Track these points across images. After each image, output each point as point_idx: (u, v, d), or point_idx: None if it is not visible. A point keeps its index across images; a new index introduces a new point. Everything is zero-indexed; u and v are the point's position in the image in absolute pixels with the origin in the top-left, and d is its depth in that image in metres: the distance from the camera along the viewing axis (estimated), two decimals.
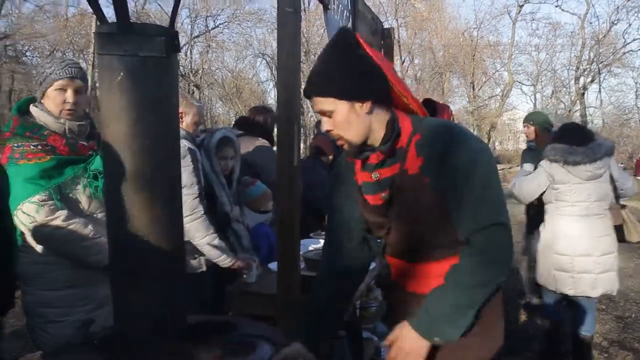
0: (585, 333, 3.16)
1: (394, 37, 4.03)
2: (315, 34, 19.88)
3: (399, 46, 22.03)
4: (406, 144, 1.36)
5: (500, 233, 1.30)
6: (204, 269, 2.49)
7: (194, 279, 2.42)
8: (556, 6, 24.91)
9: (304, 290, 1.90)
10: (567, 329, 3.32)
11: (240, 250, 2.60)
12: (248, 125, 3.34)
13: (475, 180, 1.28)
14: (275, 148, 2.79)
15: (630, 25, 25.24)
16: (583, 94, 25.08)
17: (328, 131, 1.37)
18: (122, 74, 1.08)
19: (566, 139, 3.03)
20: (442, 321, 1.29)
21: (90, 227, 1.87)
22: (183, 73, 20.95)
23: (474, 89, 26.03)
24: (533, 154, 3.81)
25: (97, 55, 1.11)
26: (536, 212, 3.42)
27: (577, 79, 25.06)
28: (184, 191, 2.25)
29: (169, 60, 1.14)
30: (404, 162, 1.35)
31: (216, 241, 2.40)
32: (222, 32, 23.05)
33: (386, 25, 4.08)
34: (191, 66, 22.61)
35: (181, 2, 1.22)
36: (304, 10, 17.90)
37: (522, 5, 25.03)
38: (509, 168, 18.20)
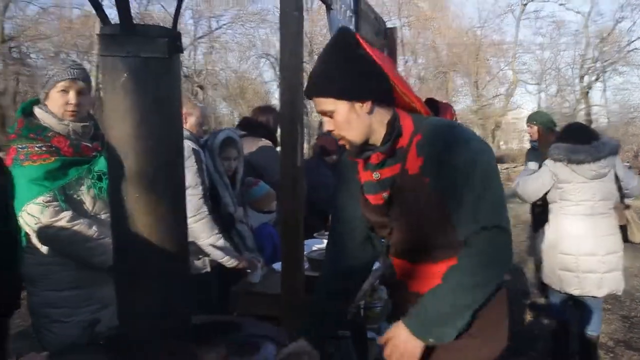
0: (591, 333, 3.14)
1: (397, 36, 4.02)
2: (319, 34, 19.88)
3: (402, 46, 21.99)
4: (407, 144, 1.35)
5: (499, 235, 1.29)
6: (209, 269, 2.49)
7: (199, 279, 2.43)
8: (560, 4, 24.76)
9: (308, 290, 1.90)
10: (573, 329, 3.30)
11: (244, 251, 2.60)
12: (251, 126, 3.34)
13: (475, 182, 1.27)
14: (278, 148, 2.79)
15: (634, 23, 24.95)
16: (587, 92, 24.97)
17: (330, 131, 1.38)
18: (125, 75, 1.09)
19: (570, 138, 3.02)
20: (436, 322, 1.29)
21: (94, 228, 1.88)
22: (187, 74, 20.98)
23: (477, 88, 25.96)
24: (537, 154, 3.81)
25: (100, 57, 1.12)
26: (541, 211, 3.40)
27: (581, 77, 24.95)
28: (189, 192, 2.25)
29: (171, 61, 1.14)
30: (405, 162, 1.35)
31: (221, 241, 2.40)
32: (225, 33, 23.09)
33: (389, 25, 4.07)
34: (195, 67, 22.65)
35: (183, 3, 1.22)
36: (308, 10, 17.90)
37: (526, 4, 24.94)
38: (514, 167, 18.13)
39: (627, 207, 3.25)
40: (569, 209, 3.04)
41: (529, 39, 32.25)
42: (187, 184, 2.23)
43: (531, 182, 3.18)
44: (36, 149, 1.82)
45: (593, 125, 20.35)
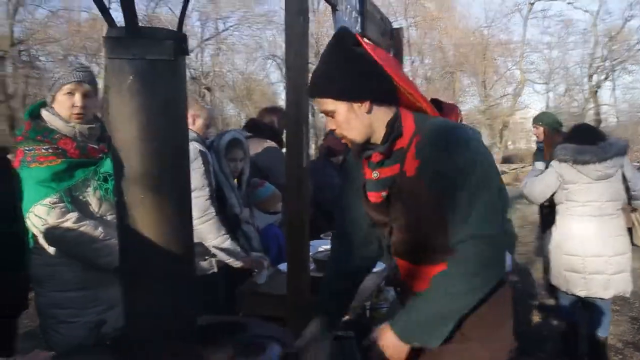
0: (600, 334, 3.12)
1: (404, 36, 4.02)
2: (325, 35, 19.85)
3: (409, 46, 21.93)
4: (407, 145, 1.35)
5: (487, 245, 1.26)
6: (216, 270, 2.50)
7: (206, 280, 2.43)
8: (568, 3, 24.55)
9: (313, 291, 1.90)
10: (582, 330, 3.27)
11: (250, 252, 2.61)
12: (257, 127, 3.35)
13: (468, 189, 1.25)
14: (284, 150, 2.79)
15: None
16: (596, 91, 24.77)
17: (332, 130, 1.40)
18: (131, 77, 1.09)
19: (576, 138, 3.00)
20: (420, 327, 1.30)
21: (100, 229, 1.89)
22: (194, 76, 21.07)
23: (485, 88, 25.84)
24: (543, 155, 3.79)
25: (106, 59, 1.12)
26: (549, 212, 3.38)
27: (590, 76, 24.76)
28: (196, 193, 2.26)
29: (177, 63, 1.15)
30: (404, 163, 1.35)
31: (228, 242, 2.41)
32: (232, 35, 23.16)
33: (396, 25, 4.07)
34: (202, 69, 22.73)
35: (189, 5, 1.23)
36: (314, 12, 17.92)
37: (534, 3, 24.80)
38: (522, 167, 18.02)
39: (634, 210, 3.21)
40: (575, 210, 3.02)
41: (536, 38, 32.02)
42: (194, 185, 2.24)
43: (537, 183, 3.16)
44: (43, 151, 1.83)
45: (602, 125, 20.20)
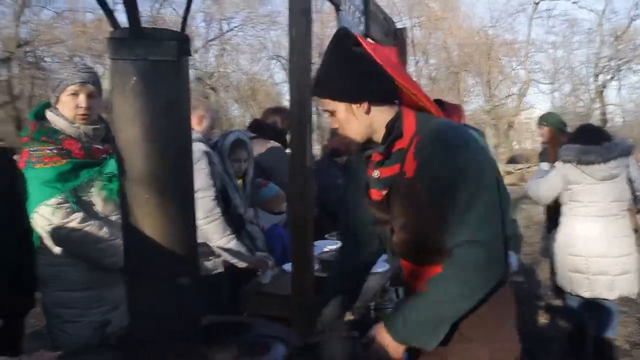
0: (607, 335, 3.10)
1: (407, 36, 4.01)
2: (329, 36, 19.81)
3: (413, 46, 21.90)
4: (407, 145, 1.34)
5: (481, 250, 1.25)
6: (221, 270, 2.51)
7: (211, 280, 2.44)
8: (573, 2, 24.40)
9: (317, 291, 1.90)
10: (589, 331, 3.26)
11: (255, 252, 2.61)
12: (261, 128, 3.35)
13: (462, 193, 1.24)
14: (288, 150, 2.80)
15: None
16: (602, 91, 24.63)
17: (336, 129, 1.41)
18: (134, 78, 1.09)
19: (581, 139, 2.99)
20: (413, 330, 1.29)
21: (105, 229, 1.90)
22: (199, 76, 21.11)
23: (490, 88, 25.73)
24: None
25: (110, 60, 1.13)
26: (555, 212, 3.37)
27: (596, 76, 24.62)
28: (201, 194, 2.27)
29: (180, 64, 1.15)
30: (404, 164, 1.34)
31: (233, 242, 2.42)
32: (236, 35, 23.19)
33: (400, 25, 4.06)
34: (206, 69, 22.78)
35: (192, 5, 1.23)
36: (319, 12, 17.90)
37: (538, 3, 24.68)
38: (527, 168, 17.95)
39: (639, 211, 3.19)
40: (579, 210, 3.00)
41: (541, 37, 31.85)
42: (199, 186, 2.25)
43: (542, 184, 3.16)
44: (48, 151, 1.84)
45: (608, 125, 20.06)
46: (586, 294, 2.98)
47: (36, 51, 17.91)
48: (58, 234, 1.84)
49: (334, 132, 3.98)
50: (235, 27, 22.83)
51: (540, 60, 26.89)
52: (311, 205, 1.98)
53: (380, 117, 1.35)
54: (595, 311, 3.12)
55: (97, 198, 1.95)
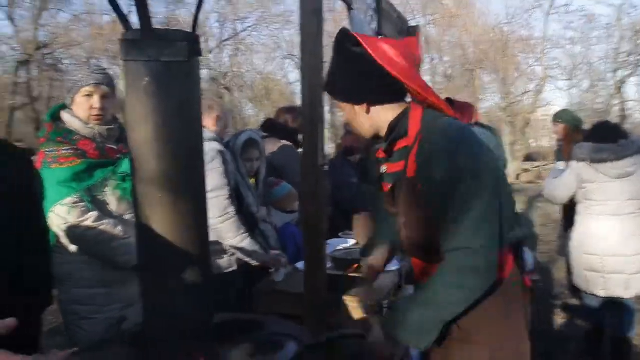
0: (625, 335, 3.05)
1: (422, 34, 3.98)
2: None
3: (428, 44, 21.75)
4: (412, 143, 1.34)
5: (474, 257, 1.24)
6: (235, 267, 2.52)
7: (225, 278, 2.46)
8: None
9: (330, 289, 1.91)
10: (607, 331, 3.21)
11: (268, 250, 2.63)
12: (273, 127, 3.36)
13: (454, 197, 1.24)
14: (300, 150, 2.80)
15: None
16: (621, 87, 24.17)
17: (348, 125, 1.44)
18: (146, 79, 1.11)
19: (595, 136, 2.95)
20: (406, 330, 1.30)
21: (119, 228, 1.93)
22: (213, 76, 21.24)
23: (506, 85, 25.42)
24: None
25: (123, 62, 1.15)
26: (571, 210, 3.32)
27: (615, 72, 24.17)
28: (215, 193, 2.29)
29: (191, 65, 1.16)
30: (407, 162, 1.34)
31: (247, 241, 2.43)
32: (250, 35, 23.26)
33: (414, 23, 4.03)
34: (221, 69, 22.89)
35: (208, 7, 1.24)
36: (331, 11, 17.87)
37: None
38: (544, 165, 17.74)
39: None
40: (594, 209, 2.96)
41: (558, 33, 31.32)
42: (213, 185, 2.27)
43: (557, 184, 3.12)
44: (63, 152, 1.88)
45: (628, 121, 19.69)
46: (602, 293, 2.93)
47: (54, 54, 18.19)
48: (74, 232, 1.88)
49: (348, 131, 3.98)
50: (249, 27, 22.89)
51: (558, 56, 26.48)
52: (323, 204, 1.98)
53: (382, 116, 1.35)
54: (613, 310, 3.08)
55: (111, 197, 1.97)
